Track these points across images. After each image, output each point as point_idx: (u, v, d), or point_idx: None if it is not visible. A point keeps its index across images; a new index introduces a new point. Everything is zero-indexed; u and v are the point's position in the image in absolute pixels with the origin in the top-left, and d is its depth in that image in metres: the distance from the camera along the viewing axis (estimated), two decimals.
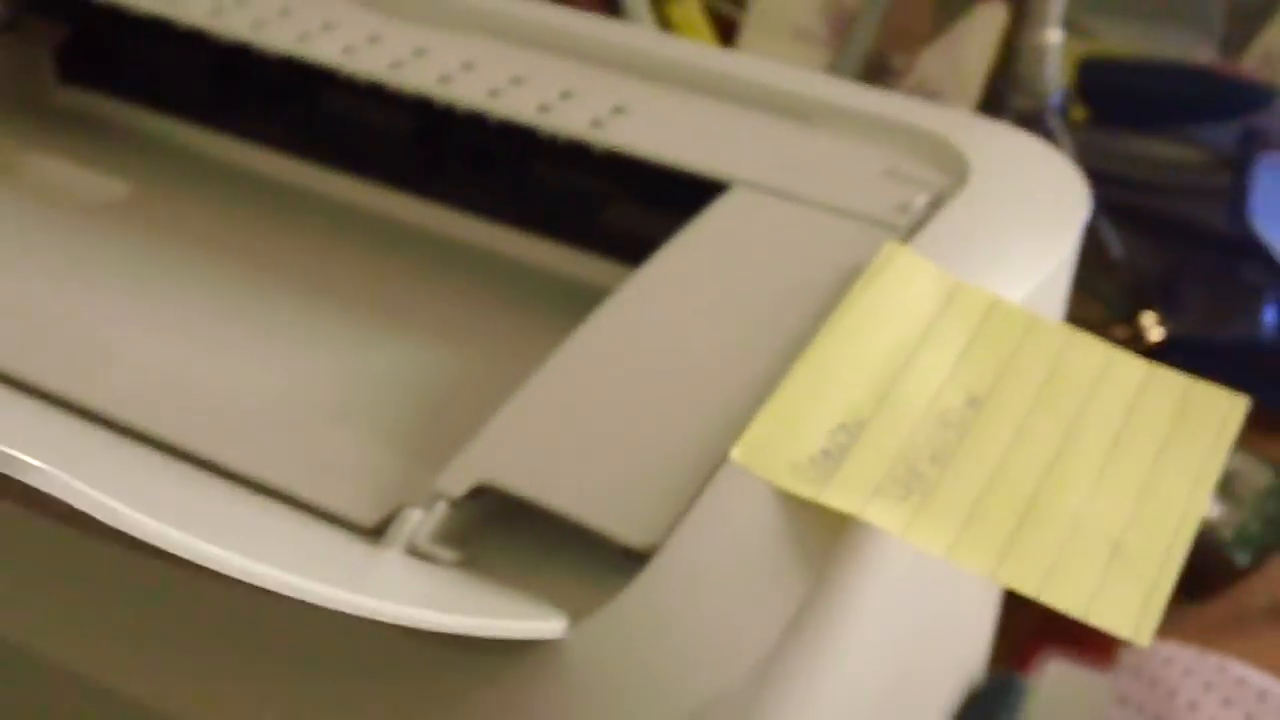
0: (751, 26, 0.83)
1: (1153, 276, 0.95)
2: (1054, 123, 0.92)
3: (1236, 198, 0.93)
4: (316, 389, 0.50)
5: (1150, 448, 0.46)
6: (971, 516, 0.43)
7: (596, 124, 0.56)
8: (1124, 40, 1.06)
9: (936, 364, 0.47)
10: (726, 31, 0.84)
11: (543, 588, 0.42)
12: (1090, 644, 0.63)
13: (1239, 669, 0.60)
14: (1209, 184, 0.99)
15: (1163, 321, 0.90)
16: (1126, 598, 0.41)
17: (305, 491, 0.44)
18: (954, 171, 0.53)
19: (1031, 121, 0.91)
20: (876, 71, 0.81)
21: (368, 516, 0.44)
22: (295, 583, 0.33)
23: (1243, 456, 0.81)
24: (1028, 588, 0.41)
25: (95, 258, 0.58)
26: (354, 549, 0.42)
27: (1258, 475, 0.80)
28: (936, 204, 0.52)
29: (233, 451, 0.46)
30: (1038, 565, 0.42)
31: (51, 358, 0.50)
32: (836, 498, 0.42)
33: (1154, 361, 0.49)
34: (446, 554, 0.42)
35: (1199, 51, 1.07)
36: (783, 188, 0.53)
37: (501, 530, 0.43)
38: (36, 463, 0.29)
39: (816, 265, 0.49)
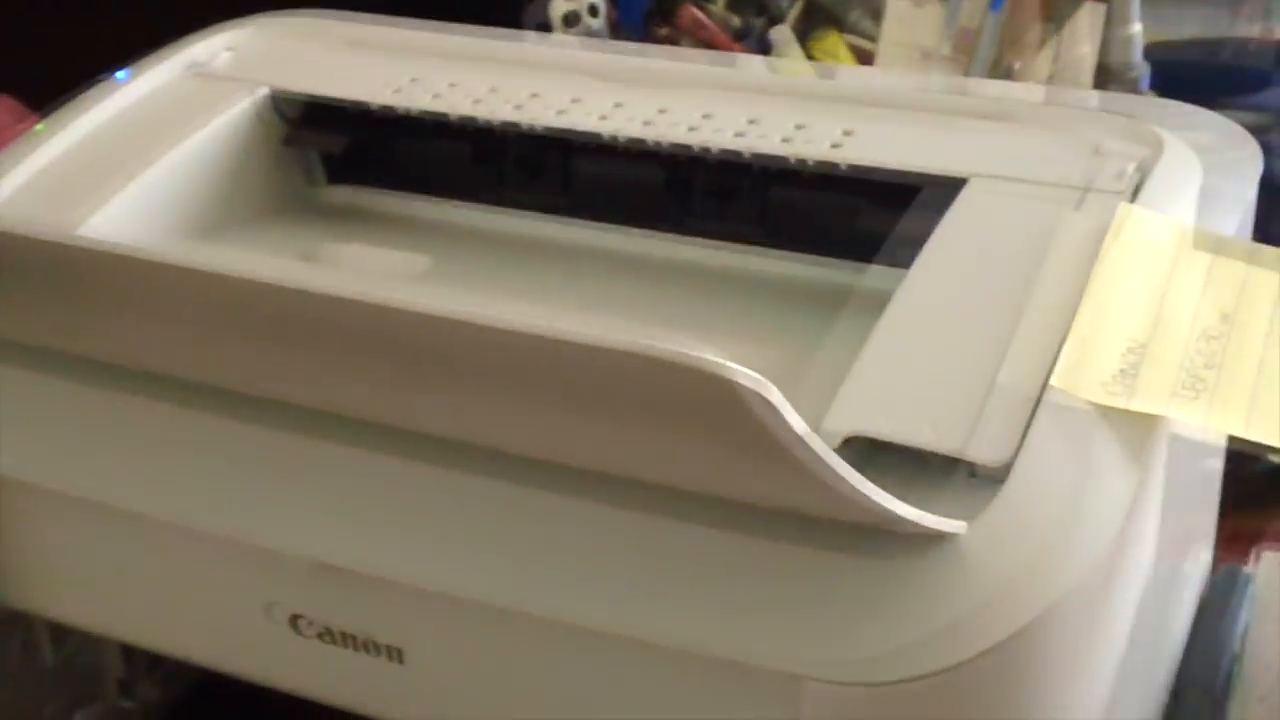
0: (884, 54, 0.94)
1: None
2: None
3: None
4: None
5: None
6: (1251, 405, 0.53)
7: (835, 146, 0.67)
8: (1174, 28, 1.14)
9: (1188, 291, 0.57)
10: (862, 63, 0.95)
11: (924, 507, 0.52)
12: None
13: None
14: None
15: None
16: None
17: None
18: (1150, 142, 0.64)
19: None
20: (1000, 77, 0.92)
21: None
22: None
23: None
24: None
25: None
26: None
27: None
28: (1143, 169, 0.62)
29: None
30: None
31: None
32: (1144, 404, 0.53)
33: None
34: None
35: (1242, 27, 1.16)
36: (1013, 174, 0.63)
37: (874, 472, 0.53)
38: None
39: (1067, 229, 0.59)
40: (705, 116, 0.70)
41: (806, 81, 0.71)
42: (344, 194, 0.80)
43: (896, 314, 0.57)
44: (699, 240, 0.73)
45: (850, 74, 0.75)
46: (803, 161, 0.67)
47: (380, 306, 0.46)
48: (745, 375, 0.42)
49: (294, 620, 0.60)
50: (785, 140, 0.68)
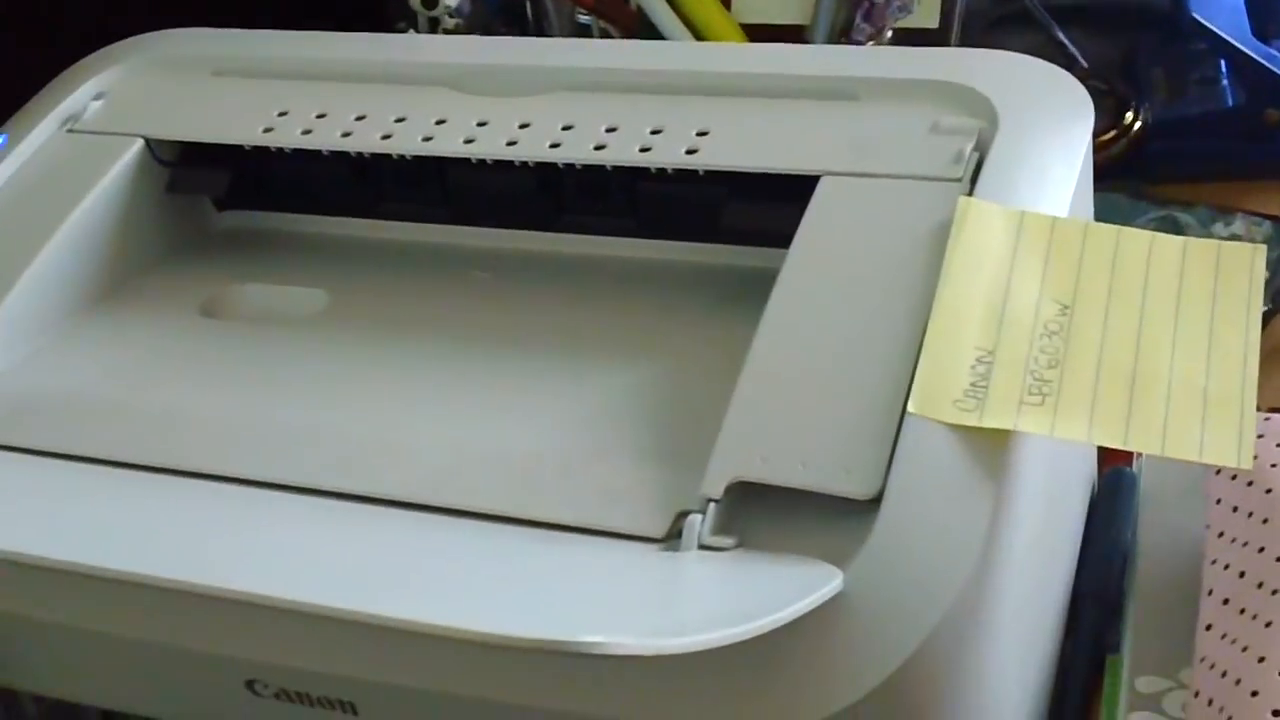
0: None
1: (1114, 69, 1.09)
2: None
3: None
4: (560, 429, 0.65)
5: (1204, 306, 0.60)
6: (1094, 403, 0.58)
7: (691, 151, 0.70)
8: None
9: (1028, 285, 0.61)
10: None
11: (804, 547, 0.56)
12: None
13: None
14: None
15: (1136, 112, 1.04)
16: (1226, 434, 0.56)
17: (601, 522, 0.59)
18: (984, 114, 0.67)
19: None
20: None
21: (658, 529, 0.58)
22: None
23: (1240, 217, 0.95)
24: (1152, 448, 0.56)
25: (302, 357, 0.72)
26: (665, 558, 0.57)
27: (1255, 230, 0.95)
28: (980, 148, 0.66)
29: (528, 502, 0.60)
30: (1153, 429, 0.57)
31: (320, 459, 0.64)
32: (993, 419, 0.57)
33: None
34: (727, 541, 0.57)
35: None
36: (861, 169, 0.67)
37: (757, 506, 0.58)
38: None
39: (912, 230, 0.63)
40: (565, 128, 0.73)
41: (661, 74, 0.74)
42: (235, 219, 0.83)
43: (762, 345, 0.61)
44: (576, 236, 0.76)
45: (703, 55, 0.78)
46: (662, 170, 0.70)
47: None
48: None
49: (250, 684, 0.65)
50: (644, 150, 0.71)
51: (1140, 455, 0.79)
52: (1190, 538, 0.73)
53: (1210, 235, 0.95)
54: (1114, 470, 0.78)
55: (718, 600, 0.54)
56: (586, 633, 0.47)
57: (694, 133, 0.71)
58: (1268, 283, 0.92)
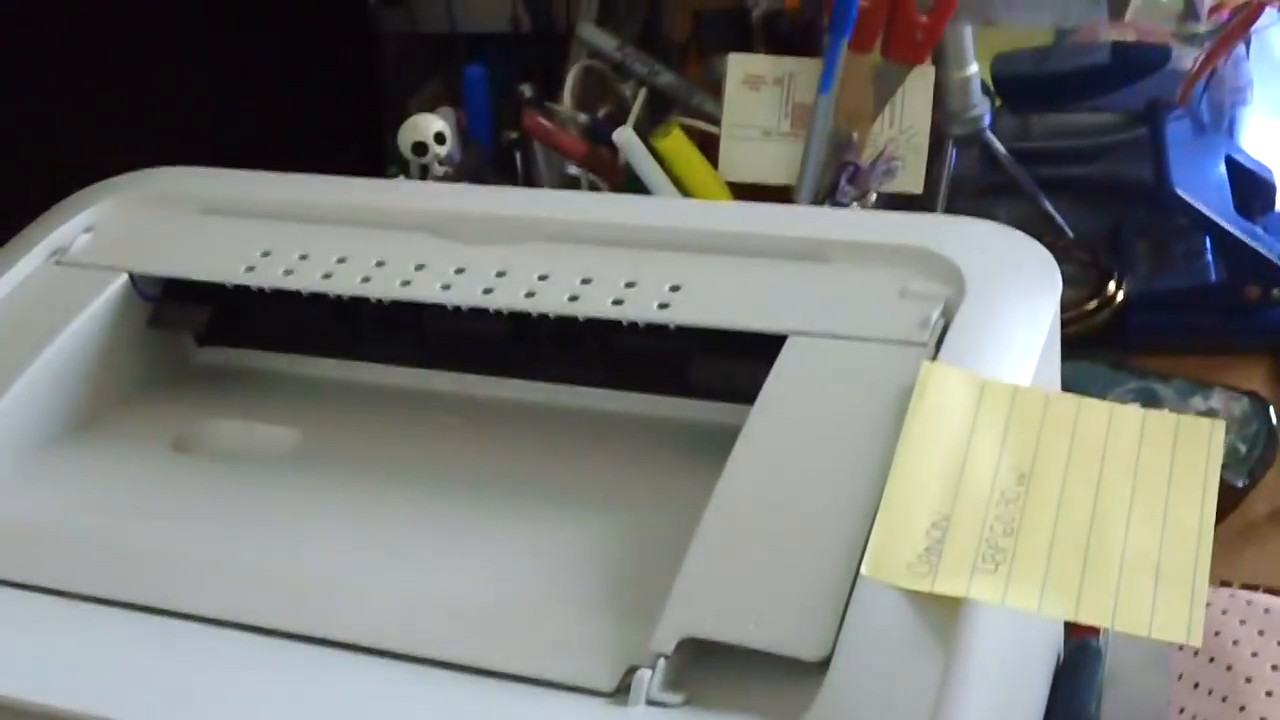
0: (728, 135, 0.98)
1: (1099, 241, 1.10)
2: (989, 139, 1.07)
3: (1156, 160, 1.07)
4: (516, 578, 0.65)
5: (1161, 478, 0.60)
6: (1047, 574, 0.58)
7: (663, 306, 0.71)
8: (1028, 22, 1.17)
9: (987, 453, 0.61)
10: (707, 144, 0.98)
11: (753, 705, 0.56)
12: None
13: (1262, 599, 0.74)
14: (1127, 142, 1.14)
15: (1119, 283, 1.05)
16: (1176, 610, 0.56)
17: (550, 673, 0.59)
18: (952, 281, 0.68)
19: (971, 141, 1.06)
20: (840, 148, 0.95)
21: (607, 683, 0.58)
22: None
23: (1218, 391, 0.96)
24: (1102, 621, 0.56)
25: (269, 496, 0.72)
26: (611, 713, 0.57)
27: (1234, 404, 0.95)
28: (947, 314, 0.66)
29: (480, 651, 0.60)
30: (1104, 602, 0.57)
31: (274, 600, 0.64)
32: (945, 585, 0.57)
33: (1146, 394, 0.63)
34: (675, 698, 0.57)
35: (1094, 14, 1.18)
36: (828, 330, 0.67)
37: (707, 662, 0.58)
38: None
39: (875, 392, 0.64)
40: (541, 278, 0.74)
41: (638, 229, 0.75)
42: (213, 355, 0.84)
43: (720, 502, 0.61)
44: (546, 385, 0.77)
45: (680, 211, 0.79)
46: (634, 324, 0.71)
47: None
48: None
49: None
50: (617, 302, 0.71)
51: (1106, 628, 0.79)
52: (1154, 712, 0.73)
53: (1187, 408, 0.95)
54: (1079, 642, 0.78)
55: None
56: None
57: (667, 287, 0.72)
58: (1244, 457, 0.92)
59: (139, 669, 0.61)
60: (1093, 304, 1.03)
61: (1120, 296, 1.04)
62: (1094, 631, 0.79)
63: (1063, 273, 0.71)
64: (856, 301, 0.69)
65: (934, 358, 0.65)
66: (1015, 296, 0.68)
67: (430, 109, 1.05)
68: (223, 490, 0.73)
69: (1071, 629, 0.79)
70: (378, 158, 1.10)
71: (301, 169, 0.86)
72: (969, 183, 1.09)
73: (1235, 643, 0.67)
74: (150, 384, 0.81)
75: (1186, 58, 1.12)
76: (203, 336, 0.84)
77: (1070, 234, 1.08)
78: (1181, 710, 0.67)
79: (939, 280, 0.69)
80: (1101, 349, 1.01)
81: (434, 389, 0.79)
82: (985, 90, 1.08)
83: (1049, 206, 1.08)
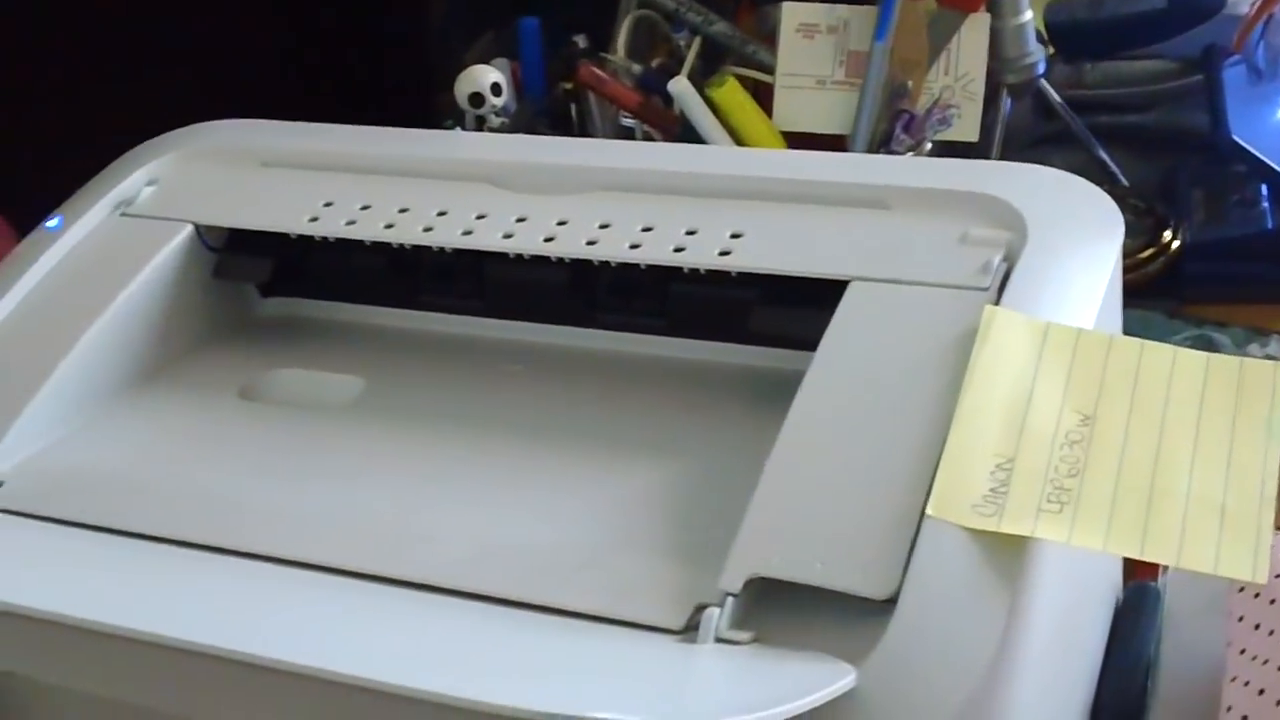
0: (782, 84, 0.98)
1: (1154, 189, 1.10)
2: (1044, 87, 1.06)
3: (1213, 106, 1.07)
4: (584, 521, 0.65)
5: (1225, 421, 0.61)
6: (1112, 514, 0.58)
7: (724, 253, 0.71)
8: None
9: (1050, 396, 0.62)
10: (761, 94, 0.99)
11: (819, 643, 0.57)
12: None
13: None
14: (1182, 89, 1.14)
15: (1175, 232, 1.05)
16: (1242, 549, 0.56)
17: (620, 612, 0.60)
18: (1014, 226, 0.68)
19: (1025, 89, 1.05)
20: (895, 96, 0.96)
21: (676, 621, 0.59)
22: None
23: (1276, 338, 0.96)
24: (1168, 560, 0.57)
25: (335, 442, 0.73)
26: (681, 649, 0.57)
27: None
28: (1009, 259, 0.67)
29: (551, 591, 0.61)
30: (1169, 541, 0.57)
31: (345, 540, 0.65)
32: (1011, 525, 0.58)
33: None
34: (744, 636, 0.57)
35: None
36: (889, 275, 0.67)
37: (774, 602, 0.58)
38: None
39: (937, 336, 0.64)
40: (602, 227, 0.74)
41: (698, 177, 0.75)
42: (276, 306, 0.85)
43: (786, 445, 0.62)
44: (607, 333, 0.77)
45: (739, 160, 0.79)
46: (695, 271, 0.71)
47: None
48: None
49: None
50: (678, 250, 0.72)
51: (1165, 571, 0.79)
52: (1212, 654, 0.73)
53: (1245, 355, 0.95)
54: (1138, 585, 0.78)
55: (729, 691, 0.55)
56: (597, 709, 0.48)
57: (728, 235, 0.72)
58: None
59: (202, 601, 0.62)
60: (1148, 252, 1.03)
61: (1176, 245, 1.04)
62: (1152, 574, 0.79)
63: None
64: (918, 247, 0.69)
65: (996, 303, 0.65)
66: (1077, 242, 0.68)
67: (484, 62, 1.06)
68: (290, 436, 0.74)
69: (1130, 572, 0.79)
70: (430, 115, 1.10)
71: (354, 122, 0.86)
72: (1023, 132, 1.09)
73: None
74: (215, 334, 0.82)
75: (1243, 3, 1.11)
76: (266, 287, 0.85)
77: (1125, 182, 1.07)
78: (1242, 651, 0.68)
79: (1001, 226, 0.69)
80: (1157, 298, 1.01)
81: (495, 338, 0.80)
82: (1039, 38, 1.08)
83: (1103, 155, 1.07)
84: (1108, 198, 0.71)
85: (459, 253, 0.77)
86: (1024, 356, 0.63)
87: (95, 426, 0.75)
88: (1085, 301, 0.66)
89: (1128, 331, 0.70)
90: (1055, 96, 1.07)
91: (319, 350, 0.81)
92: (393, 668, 0.51)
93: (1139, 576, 0.79)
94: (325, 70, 1.29)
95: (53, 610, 0.56)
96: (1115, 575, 0.79)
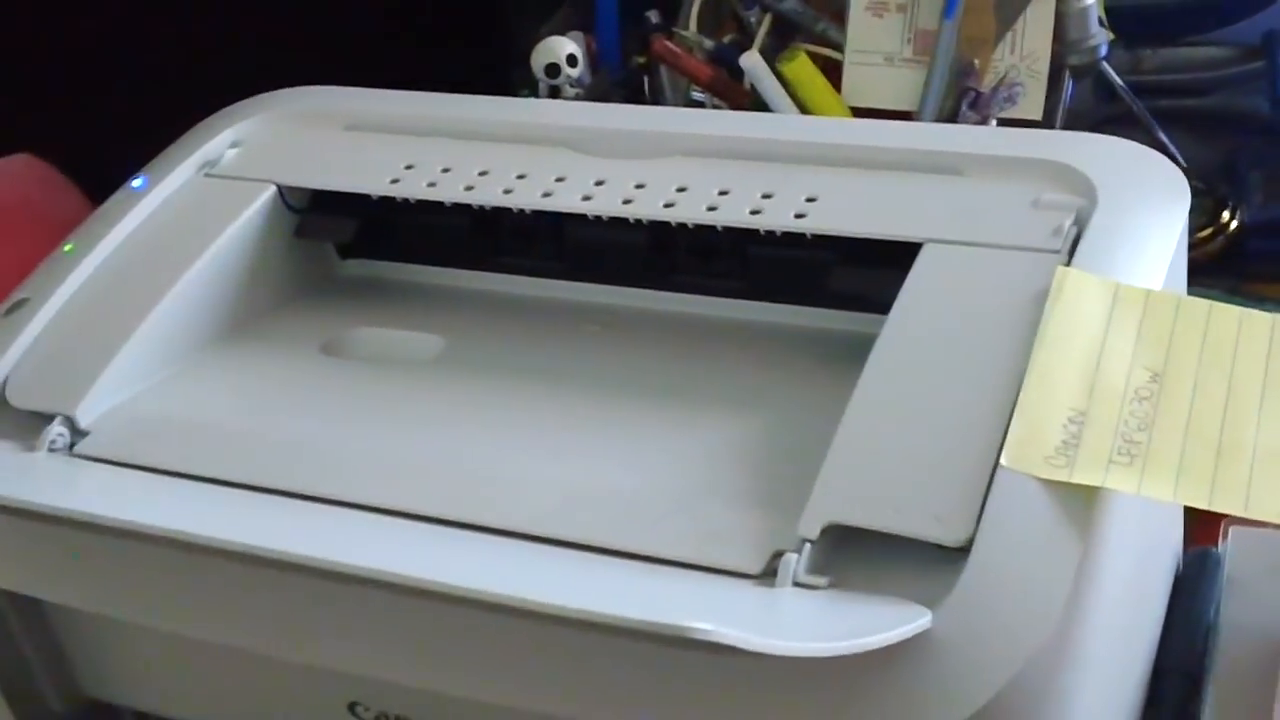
0: (851, 61, 1.00)
1: (1215, 171, 1.11)
2: (1105, 69, 1.07)
3: (1273, 90, 1.08)
4: (664, 472, 0.67)
5: None
6: (1180, 466, 0.60)
7: (800, 215, 0.73)
8: None
9: (1120, 353, 0.63)
10: (830, 71, 1.00)
11: (894, 589, 0.59)
12: None
13: None
14: (1242, 75, 1.15)
15: (1234, 211, 1.06)
16: None
17: (700, 557, 0.61)
18: (1084, 192, 0.70)
19: (1087, 71, 1.06)
20: (962, 74, 0.97)
21: (755, 565, 0.61)
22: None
23: None
24: (1235, 509, 0.58)
25: (418, 396, 0.75)
26: (760, 593, 0.59)
27: None
28: (1080, 223, 0.68)
29: (633, 537, 0.63)
30: (1237, 491, 0.59)
31: (431, 488, 0.67)
32: (1082, 476, 0.59)
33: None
34: (821, 581, 0.59)
35: None
36: (963, 237, 0.69)
37: (853, 549, 0.60)
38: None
39: (1010, 296, 0.66)
40: (680, 190, 0.76)
41: (772, 144, 0.77)
42: (357, 268, 0.87)
43: (862, 397, 0.63)
44: (685, 296, 0.79)
45: (814, 127, 0.81)
46: (771, 232, 0.73)
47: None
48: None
49: (352, 707, 0.68)
50: (754, 212, 0.74)
51: (1225, 538, 0.80)
52: (1272, 619, 0.75)
53: None
54: (1199, 550, 0.80)
55: (810, 626, 0.57)
56: (697, 621, 0.50)
57: (803, 198, 0.74)
58: None
59: (301, 535, 0.64)
60: (1207, 232, 1.04)
61: (1235, 225, 1.05)
62: (1213, 540, 0.80)
63: None
64: (990, 211, 0.70)
65: (1067, 264, 0.66)
66: (1146, 208, 0.70)
67: (560, 34, 1.07)
68: (374, 389, 0.75)
69: (1191, 539, 0.81)
70: (505, 87, 1.12)
71: (430, 89, 0.88)
72: (1084, 115, 1.10)
73: None
74: (297, 293, 0.84)
75: None
76: (345, 249, 0.87)
77: (1185, 164, 1.08)
78: None
79: (1071, 191, 0.70)
80: (1218, 276, 1.02)
81: (573, 300, 0.82)
82: (1101, 22, 1.09)
83: (1163, 137, 1.08)
84: (1174, 167, 0.73)
85: (538, 215, 0.79)
86: (1095, 315, 0.64)
87: (179, 379, 0.77)
88: (1153, 264, 0.68)
89: None
90: (1116, 79, 1.08)
91: (399, 310, 0.83)
92: (497, 579, 0.53)
93: (1198, 543, 0.81)
94: (402, 41, 1.31)
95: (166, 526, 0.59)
96: (1177, 541, 0.80)
